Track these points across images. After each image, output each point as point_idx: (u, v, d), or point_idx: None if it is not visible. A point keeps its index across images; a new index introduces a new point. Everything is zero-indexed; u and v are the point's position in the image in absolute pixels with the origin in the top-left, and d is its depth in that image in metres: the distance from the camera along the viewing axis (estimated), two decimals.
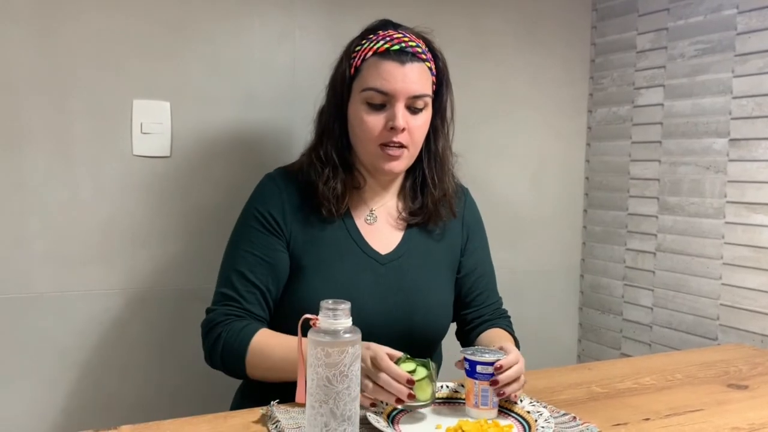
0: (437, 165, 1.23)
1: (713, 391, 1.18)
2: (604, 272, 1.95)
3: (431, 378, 0.98)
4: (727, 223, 1.61)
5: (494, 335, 1.23)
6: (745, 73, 1.58)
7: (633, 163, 1.86)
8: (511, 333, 1.28)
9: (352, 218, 1.21)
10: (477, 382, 0.98)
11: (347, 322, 0.86)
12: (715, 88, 1.64)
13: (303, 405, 0.90)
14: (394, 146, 1.14)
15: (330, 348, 0.84)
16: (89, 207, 1.41)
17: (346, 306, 0.86)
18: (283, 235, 1.17)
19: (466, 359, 0.99)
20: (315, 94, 1.25)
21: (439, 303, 1.24)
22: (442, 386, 1.08)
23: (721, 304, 1.61)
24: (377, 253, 1.20)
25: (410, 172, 1.25)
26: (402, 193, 1.26)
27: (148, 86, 1.44)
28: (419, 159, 1.22)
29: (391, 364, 0.96)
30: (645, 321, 1.82)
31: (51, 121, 1.36)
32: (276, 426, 0.94)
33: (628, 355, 1.85)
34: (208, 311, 1.17)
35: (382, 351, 0.98)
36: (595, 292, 1.98)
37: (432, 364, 0.99)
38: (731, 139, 1.60)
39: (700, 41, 1.67)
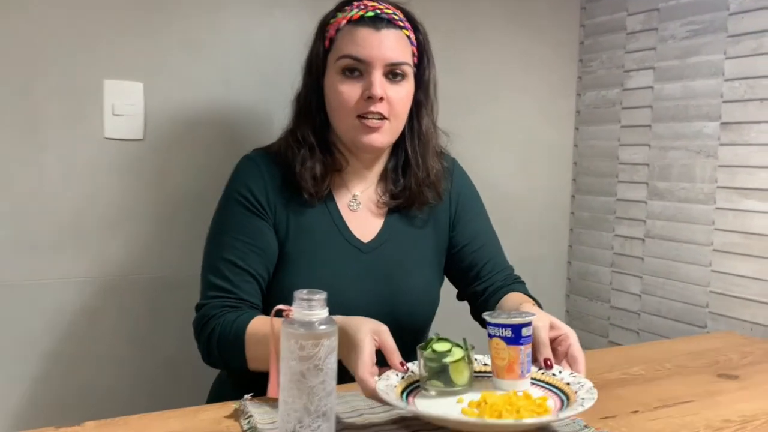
0: (420, 143, 1.17)
1: (703, 381, 1.15)
2: (591, 259, 1.92)
3: (468, 359, 0.90)
4: (717, 208, 1.57)
5: (512, 300, 1.14)
6: (737, 54, 1.54)
7: (622, 148, 1.82)
8: (530, 295, 1.19)
9: (335, 203, 1.16)
10: (523, 347, 0.89)
11: (323, 313, 0.81)
12: (707, 70, 1.60)
13: (276, 400, 0.86)
14: (373, 117, 1.08)
15: (304, 341, 0.79)
16: (59, 192, 1.35)
17: (321, 296, 0.81)
18: (268, 216, 1.12)
19: (506, 325, 0.89)
20: (295, 75, 1.20)
21: (425, 289, 1.20)
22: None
23: (711, 292, 1.58)
24: (359, 241, 1.15)
25: (393, 153, 1.20)
26: (384, 176, 1.21)
27: (120, 66, 1.38)
28: (402, 138, 1.17)
29: (390, 339, 0.90)
30: (633, 308, 1.79)
31: (18, 102, 1.30)
32: (248, 421, 0.89)
33: (616, 343, 1.82)
34: (199, 307, 1.09)
35: (386, 328, 0.91)
36: (583, 279, 1.95)
37: (469, 345, 0.91)
38: (722, 123, 1.57)
39: (692, 22, 1.63)
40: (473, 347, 0.91)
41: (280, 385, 0.81)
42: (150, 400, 1.42)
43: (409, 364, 0.93)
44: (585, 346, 1.75)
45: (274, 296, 1.11)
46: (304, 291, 0.81)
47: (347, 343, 0.88)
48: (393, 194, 1.18)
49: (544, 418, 0.79)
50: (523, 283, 1.25)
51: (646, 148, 1.75)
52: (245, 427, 0.88)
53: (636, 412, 0.99)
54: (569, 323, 1.99)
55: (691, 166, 1.63)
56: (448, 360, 0.89)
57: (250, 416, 0.90)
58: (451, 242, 1.24)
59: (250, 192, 1.12)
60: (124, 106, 1.38)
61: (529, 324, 0.90)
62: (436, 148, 1.20)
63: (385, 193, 1.19)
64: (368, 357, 0.86)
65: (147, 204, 1.42)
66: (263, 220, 1.11)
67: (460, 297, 1.27)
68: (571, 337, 0.96)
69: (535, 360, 0.93)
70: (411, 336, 1.20)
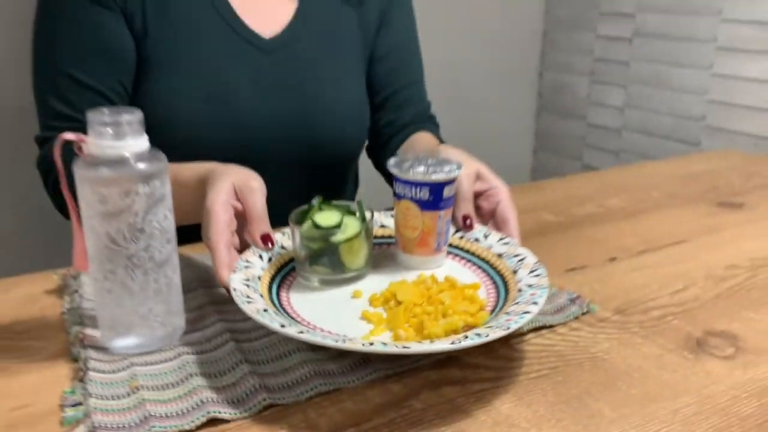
0: None
1: (700, 213, 0.90)
2: (567, 68, 1.61)
3: (367, 234, 0.62)
4: None
5: (420, 142, 0.90)
6: None
7: None
8: (440, 139, 0.94)
9: None
10: (442, 213, 0.63)
11: (138, 143, 0.52)
12: None
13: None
14: None
15: (106, 188, 0.51)
16: None
17: (134, 117, 0.51)
18: (115, 5, 0.79)
19: (423, 184, 0.61)
20: None
21: (352, 104, 0.91)
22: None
23: (709, 101, 1.30)
24: (257, 36, 0.84)
25: None
26: None
27: None
28: None
29: (259, 202, 0.61)
30: (613, 125, 1.51)
31: None
32: (71, 300, 0.63)
33: (592, 167, 1.57)
34: (41, 142, 0.82)
35: (258, 185, 0.61)
36: (556, 93, 1.65)
37: (367, 213, 0.63)
38: None
39: None
40: (372, 216, 0.63)
41: (88, 254, 0.54)
42: (8, 267, 1.17)
43: (279, 236, 0.64)
44: (555, 173, 1.47)
45: None
46: (105, 110, 0.52)
47: (202, 204, 0.61)
48: None
49: (489, 334, 0.48)
50: (437, 124, 1.00)
51: None
52: (65, 308, 0.62)
53: (613, 259, 0.75)
54: (538, 146, 1.72)
55: None
56: (337, 239, 0.60)
57: (75, 292, 0.64)
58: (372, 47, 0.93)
59: None
60: None
61: (453, 181, 0.63)
62: None
63: None
64: (221, 232, 0.58)
65: None
66: (107, 9, 0.78)
67: None
68: (502, 192, 0.69)
69: (452, 218, 0.67)
70: (334, 169, 0.93)
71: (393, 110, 0.95)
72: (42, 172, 0.83)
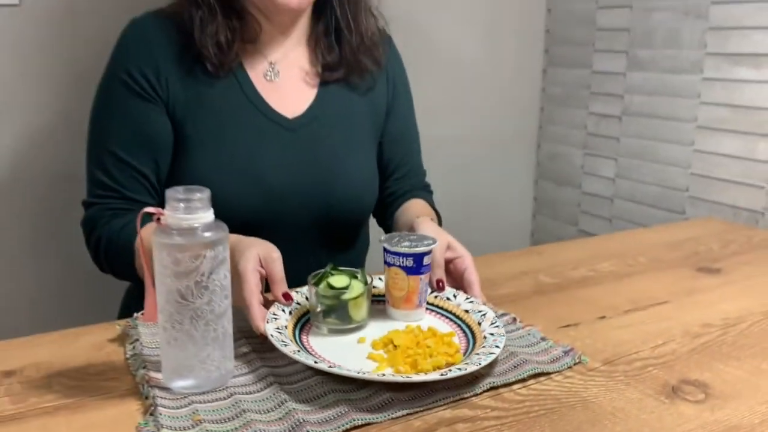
0: (350, 2, 0.98)
1: (681, 277, 1.01)
2: (563, 140, 1.74)
3: (369, 293, 0.78)
4: (705, 79, 1.38)
5: (413, 208, 1.05)
6: None
7: (601, 11, 1.59)
8: (433, 206, 1.10)
9: (246, 74, 0.96)
10: (423, 276, 0.79)
11: (205, 216, 0.63)
12: None
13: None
14: None
15: (179, 253, 0.61)
16: None
17: (203, 195, 0.63)
18: (159, 99, 0.92)
19: (407, 255, 0.78)
20: None
21: (363, 175, 1.03)
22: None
23: (692, 174, 1.42)
24: (282, 117, 0.96)
25: (320, 16, 0.99)
26: (311, 41, 1.01)
27: None
28: None
29: (279, 268, 0.76)
30: (606, 194, 1.63)
31: None
32: (133, 347, 0.73)
33: (586, 232, 1.68)
34: (86, 205, 0.94)
35: (278, 255, 0.77)
36: (553, 163, 1.78)
37: (368, 277, 0.79)
38: None
39: None
40: (372, 280, 0.79)
41: (158, 307, 0.64)
42: (50, 313, 1.27)
43: (294, 294, 0.79)
44: (553, 236, 1.59)
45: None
46: (180, 188, 0.63)
47: (232, 270, 0.73)
48: (328, 64, 0.99)
49: (467, 369, 0.65)
50: (431, 192, 1.15)
51: (627, 10, 1.52)
52: (128, 354, 0.72)
53: (603, 317, 0.85)
54: (537, 211, 1.84)
55: (678, 31, 1.42)
56: (346, 297, 0.75)
57: (136, 340, 0.74)
58: (381, 129, 1.07)
59: (135, 68, 0.91)
60: None
61: (430, 252, 0.80)
62: (368, 6, 1.00)
63: (318, 62, 1.00)
64: (253, 292, 0.73)
65: (30, 84, 1.19)
66: (151, 103, 0.91)
67: None
68: (467, 260, 0.86)
69: (428, 281, 0.83)
70: (349, 230, 1.05)
71: (396, 182, 1.10)
72: (85, 231, 0.94)
